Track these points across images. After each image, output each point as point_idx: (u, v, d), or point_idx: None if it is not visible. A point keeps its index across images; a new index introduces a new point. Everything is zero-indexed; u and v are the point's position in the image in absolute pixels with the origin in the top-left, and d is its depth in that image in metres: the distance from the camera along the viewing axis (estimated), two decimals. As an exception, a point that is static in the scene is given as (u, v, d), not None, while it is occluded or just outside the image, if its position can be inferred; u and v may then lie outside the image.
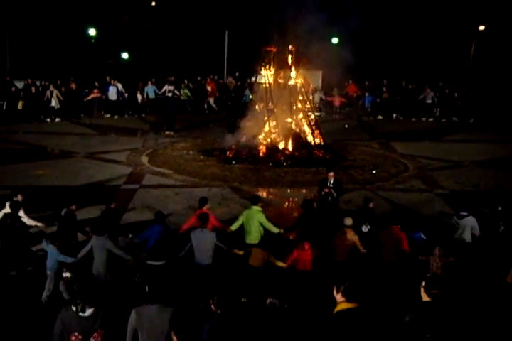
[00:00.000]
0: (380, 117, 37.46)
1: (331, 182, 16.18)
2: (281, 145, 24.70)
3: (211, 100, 36.94)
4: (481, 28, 48.91)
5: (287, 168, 23.03)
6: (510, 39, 49.79)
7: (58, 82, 34.90)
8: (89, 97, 33.40)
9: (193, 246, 12.47)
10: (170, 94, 34.59)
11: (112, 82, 34.57)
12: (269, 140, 24.95)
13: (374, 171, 23.28)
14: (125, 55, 54.77)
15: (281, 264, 12.29)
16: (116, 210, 14.70)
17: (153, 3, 58.42)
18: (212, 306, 7.78)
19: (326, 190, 15.96)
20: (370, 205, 14.86)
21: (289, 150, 24.49)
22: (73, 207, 14.16)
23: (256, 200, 14.19)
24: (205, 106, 37.69)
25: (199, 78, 39.51)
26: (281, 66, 26.00)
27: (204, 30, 52.79)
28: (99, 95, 33.43)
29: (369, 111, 38.38)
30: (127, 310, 7.76)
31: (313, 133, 25.66)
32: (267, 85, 25.92)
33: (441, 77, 40.65)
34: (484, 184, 21.77)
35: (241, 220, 13.95)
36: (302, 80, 26.31)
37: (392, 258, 12.63)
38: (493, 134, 32.23)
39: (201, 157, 24.96)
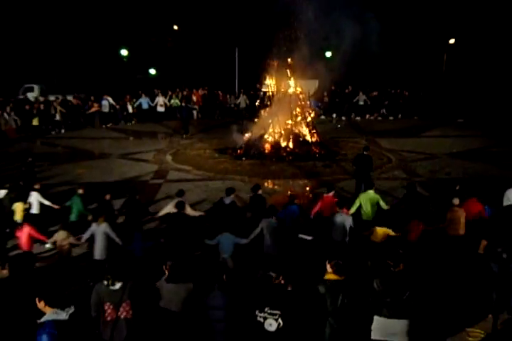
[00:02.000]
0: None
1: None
2: (283, 144, 24.49)
3: (196, 107, 36.25)
4: (451, 41, 48.80)
5: (289, 163, 22.94)
6: (475, 50, 49.73)
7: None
8: (91, 111, 32.81)
9: (333, 227, 12.61)
10: (162, 107, 34.90)
11: (104, 96, 33.79)
12: (273, 139, 24.78)
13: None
14: (152, 71, 54.82)
15: (394, 233, 12.55)
16: (139, 201, 14.47)
17: (176, 27, 58.29)
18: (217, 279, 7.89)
19: None
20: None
21: (290, 148, 24.28)
22: (107, 197, 14.32)
23: (371, 186, 14.61)
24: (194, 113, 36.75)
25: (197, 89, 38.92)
26: (283, 77, 25.91)
27: (218, 49, 52.85)
28: (98, 109, 32.83)
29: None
30: (151, 284, 7.79)
31: (310, 132, 25.48)
32: (271, 93, 25.93)
33: (420, 82, 40.40)
34: (454, 172, 21.60)
35: (358, 203, 14.03)
36: (300, 89, 26.10)
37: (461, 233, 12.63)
38: (462, 130, 32.04)
39: (216, 155, 24.83)
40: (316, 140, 25.35)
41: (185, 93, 37.47)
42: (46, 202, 14.82)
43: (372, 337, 8.03)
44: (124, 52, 51.74)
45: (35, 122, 29.30)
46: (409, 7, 44.06)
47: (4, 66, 48.93)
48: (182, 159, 24.18)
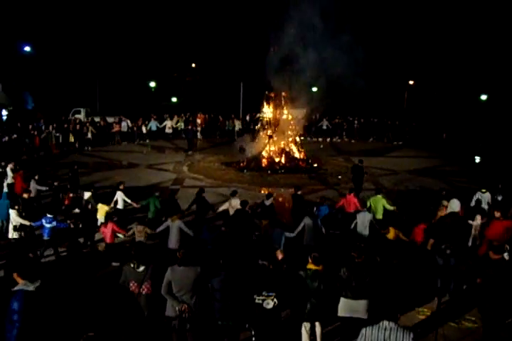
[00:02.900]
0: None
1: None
2: (277, 159, 24.57)
3: (199, 129, 34.94)
4: (411, 82, 49.23)
5: (281, 174, 22.98)
6: (431, 89, 50.13)
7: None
8: (114, 130, 32.64)
9: (357, 222, 13.02)
10: (170, 129, 34.35)
11: (123, 118, 33.65)
12: (269, 155, 24.85)
13: (339, 177, 23.10)
14: (174, 99, 55.03)
15: (404, 238, 12.54)
16: (204, 198, 14.66)
17: (194, 65, 58.66)
18: (221, 265, 8.01)
19: None
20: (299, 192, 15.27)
21: (282, 163, 24.36)
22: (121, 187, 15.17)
23: (379, 191, 15.34)
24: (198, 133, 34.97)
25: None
26: (278, 106, 26.08)
27: (227, 82, 53.09)
28: (119, 129, 32.64)
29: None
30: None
31: (298, 150, 25.61)
32: (268, 119, 26.02)
33: (385, 115, 40.55)
34: (412, 185, 21.72)
35: (368, 204, 14.61)
36: (291, 116, 26.28)
37: None
38: (419, 152, 32.09)
39: (223, 167, 24.85)
40: (303, 157, 25.47)
41: (189, 117, 36.99)
42: (128, 201, 14.93)
43: (339, 315, 8.15)
44: (152, 84, 52.17)
45: (71, 139, 29.25)
46: (377, 54, 44.48)
47: (59, 92, 49.33)
48: (196, 170, 24.26)
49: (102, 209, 14.12)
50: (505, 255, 10.90)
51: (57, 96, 48.53)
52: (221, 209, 14.14)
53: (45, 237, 12.29)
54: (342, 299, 8.06)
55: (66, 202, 16.37)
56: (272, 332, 7.58)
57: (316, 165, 25.05)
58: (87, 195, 14.99)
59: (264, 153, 24.93)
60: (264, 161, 24.47)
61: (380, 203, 14.39)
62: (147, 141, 33.47)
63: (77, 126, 30.17)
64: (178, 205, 14.49)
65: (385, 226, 12.79)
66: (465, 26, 48.72)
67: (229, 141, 32.33)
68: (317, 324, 8.12)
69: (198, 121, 35.66)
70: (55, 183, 16.37)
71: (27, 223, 12.52)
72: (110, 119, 35.46)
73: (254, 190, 19.99)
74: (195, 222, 12.69)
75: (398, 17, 43.96)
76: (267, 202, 14.41)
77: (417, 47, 49.36)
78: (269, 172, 23.30)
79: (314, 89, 37.46)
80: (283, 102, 25.94)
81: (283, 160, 24.53)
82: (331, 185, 21.26)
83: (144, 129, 33.84)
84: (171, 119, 35.40)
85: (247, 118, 38.33)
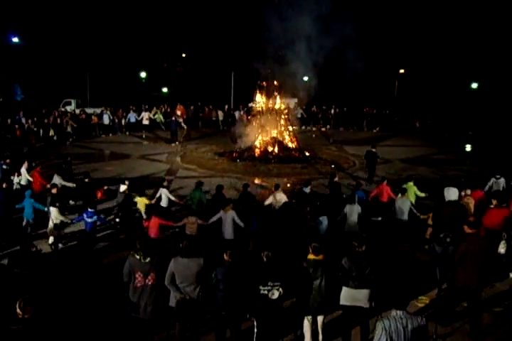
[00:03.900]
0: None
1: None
2: (270, 149, 24.47)
3: (181, 120, 32.94)
4: (401, 71, 49.25)
5: (274, 164, 22.86)
6: (421, 78, 50.16)
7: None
8: (93, 122, 31.91)
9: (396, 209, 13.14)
10: (147, 121, 33.40)
11: (105, 110, 33.08)
12: (261, 145, 24.77)
13: (333, 165, 23.09)
14: (165, 90, 54.71)
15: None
16: (250, 193, 14.43)
17: (184, 55, 58.30)
18: (225, 256, 7.80)
19: None
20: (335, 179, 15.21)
21: (275, 152, 24.24)
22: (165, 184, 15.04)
23: (410, 178, 15.20)
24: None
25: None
26: (270, 95, 25.95)
27: (217, 72, 52.85)
28: (97, 121, 31.97)
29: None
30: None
31: (291, 140, 25.51)
32: (261, 108, 25.88)
33: (376, 104, 40.52)
34: (405, 174, 21.52)
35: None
36: (284, 105, 26.13)
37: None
38: (411, 140, 32.12)
39: (216, 157, 24.77)
40: (296, 146, 25.38)
41: (168, 109, 36.27)
42: (172, 198, 14.57)
43: (341, 303, 8.09)
44: (143, 74, 51.85)
45: (51, 133, 28.23)
46: (367, 43, 44.41)
47: (49, 83, 48.91)
48: (189, 160, 24.15)
49: (141, 203, 13.63)
50: (502, 244, 10.94)
51: (48, 87, 48.10)
52: (267, 203, 13.88)
53: (88, 231, 12.11)
54: (344, 288, 8.02)
55: (99, 196, 16.09)
56: (275, 322, 7.55)
57: (308, 154, 24.97)
58: (123, 187, 14.48)
59: (257, 143, 24.83)
60: (257, 151, 24.38)
61: (412, 190, 14.51)
62: (143, 132, 32.89)
63: (58, 120, 29.33)
64: (225, 198, 14.12)
65: (424, 211, 12.94)
66: (455, 14, 48.67)
67: (216, 132, 32.51)
68: (319, 316, 8.11)
69: (178, 112, 34.58)
70: (86, 180, 15.66)
71: (68, 220, 12.34)
72: (98, 111, 35.12)
73: (247, 180, 19.78)
74: (244, 214, 12.50)
75: (387, 5, 43.72)
76: (307, 190, 14.41)
77: (407, 36, 49.23)
78: (262, 162, 23.19)
79: (305, 78, 37.43)
80: (275, 91, 25.80)
81: (276, 150, 24.42)
82: (325, 174, 21.13)
83: (122, 121, 33.24)
84: (150, 111, 34.52)
85: (225, 108, 37.99)
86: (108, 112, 32.80)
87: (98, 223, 12.47)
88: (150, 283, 7.63)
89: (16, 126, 26.21)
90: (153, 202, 14.18)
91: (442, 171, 22.37)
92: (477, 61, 47.94)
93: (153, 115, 34.38)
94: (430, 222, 12.12)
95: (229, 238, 11.49)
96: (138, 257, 7.63)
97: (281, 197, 13.58)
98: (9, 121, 27.16)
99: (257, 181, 19.92)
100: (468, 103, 42.61)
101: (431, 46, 50.41)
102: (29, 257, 8.95)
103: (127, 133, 32.92)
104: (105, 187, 16.38)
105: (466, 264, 8.33)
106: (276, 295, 7.36)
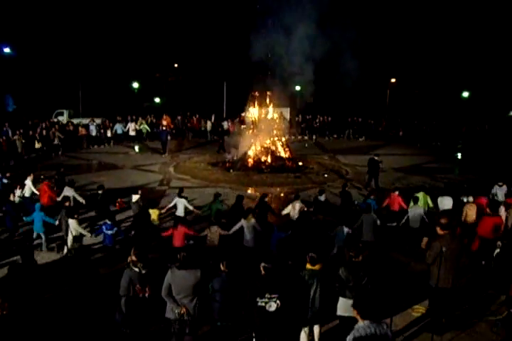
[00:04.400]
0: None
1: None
2: (263, 159, 24.48)
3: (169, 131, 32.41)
4: (393, 80, 49.56)
5: (268, 174, 22.84)
6: (412, 87, 50.49)
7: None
8: (80, 134, 30.90)
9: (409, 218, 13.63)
10: (133, 132, 33.18)
11: (91, 121, 32.29)
12: (254, 155, 24.77)
13: (325, 175, 23.12)
14: (157, 100, 54.72)
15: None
16: (266, 202, 14.56)
17: (176, 65, 58.38)
18: (222, 266, 7.87)
19: None
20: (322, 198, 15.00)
21: (268, 162, 24.25)
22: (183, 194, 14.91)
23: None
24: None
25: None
26: (263, 105, 26.01)
27: (210, 82, 52.96)
28: (85, 133, 31.06)
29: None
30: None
31: (284, 150, 25.54)
32: (254, 118, 25.93)
33: (366, 113, 40.74)
34: (398, 183, 21.71)
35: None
36: (277, 115, 26.18)
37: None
38: (403, 149, 32.23)
39: (209, 167, 24.71)
40: (289, 156, 25.40)
41: (154, 120, 36.01)
42: (191, 207, 14.55)
43: (338, 314, 8.10)
44: (135, 84, 51.82)
45: (37, 145, 27.23)
46: (359, 52, 44.68)
47: (41, 94, 48.81)
48: (182, 170, 24.03)
49: (154, 214, 13.70)
50: (496, 253, 10.98)
51: (40, 98, 47.98)
52: (285, 212, 14.06)
53: (108, 244, 12.02)
54: (341, 298, 8.01)
55: (117, 208, 16.09)
56: (272, 334, 7.52)
57: (301, 163, 24.99)
58: (135, 197, 14.44)
59: (250, 153, 24.82)
60: (250, 161, 24.36)
61: (424, 200, 14.74)
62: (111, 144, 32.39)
63: (44, 132, 28.42)
64: (244, 208, 14.08)
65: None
66: (447, 23, 49.01)
67: (206, 142, 32.80)
68: (316, 326, 8.10)
69: (164, 122, 33.96)
70: (100, 191, 15.40)
71: (88, 234, 12.15)
72: (85, 121, 34.77)
73: (241, 190, 19.78)
74: (262, 224, 12.51)
75: (379, 14, 43.98)
76: (322, 198, 14.71)
77: (399, 45, 49.54)
78: (255, 171, 23.17)
79: (297, 88, 37.63)
80: (268, 101, 25.86)
81: (269, 160, 24.43)
82: (318, 184, 21.16)
83: (108, 133, 32.71)
84: (135, 122, 34.20)
85: (213, 118, 37.73)
86: (95, 123, 32.16)
87: (117, 235, 12.42)
88: (147, 294, 7.69)
89: (3, 138, 25.15)
90: (163, 211, 14.32)
91: (436, 180, 22.43)
92: (469, 70, 48.23)
93: (139, 126, 34.10)
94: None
95: (250, 246, 11.56)
96: (137, 269, 7.64)
97: (301, 206, 13.83)
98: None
99: (250, 191, 19.91)
100: (459, 112, 42.87)
101: (423, 55, 50.65)
102: (29, 267, 8.91)
103: (112, 144, 32.57)
104: (119, 200, 16.31)
105: (440, 265, 8.45)
106: (273, 307, 7.32)
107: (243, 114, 31.15)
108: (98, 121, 33.56)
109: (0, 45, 40.13)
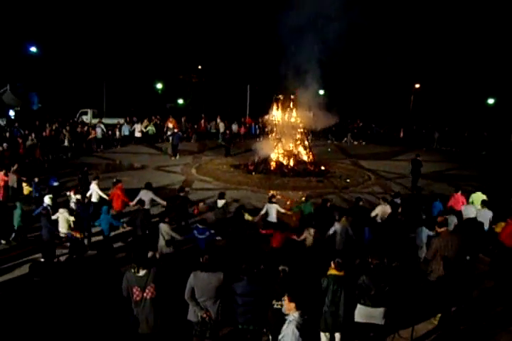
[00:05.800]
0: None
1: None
2: (285, 162, 24.52)
3: (180, 133, 31.59)
4: (417, 85, 49.26)
5: (290, 177, 22.81)
6: (437, 93, 50.08)
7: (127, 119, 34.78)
8: (90, 137, 30.28)
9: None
10: (139, 133, 33.07)
11: (98, 124, 31.83)
12: (277, 158, 24.82)
13: (348, 180, 23.02)
14: (180, 101, 55.00)
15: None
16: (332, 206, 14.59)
17: (200, 67, 58.60)
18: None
19: None
20: (360, 203, 14.57)
21: (290, 166, 24.30)
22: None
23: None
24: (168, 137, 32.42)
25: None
26: (286, 109, 25.98)
27: (233, 85, 53.08)
28: (95, 135, 30.48)
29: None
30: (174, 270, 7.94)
31: (307, 154, 25.53)
32: (277, 122, 25.92)
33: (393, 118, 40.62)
34: (425, 190, 21.43)
35: (470, 200, 15.58)
36: (300, 119, 26.11)
37: None
38: (426, 156, 31.90)
39: (231, 169, 24.81)
40: (311, 160, 25.38)
41: (158, 121, 35.91)
42: (282, 210, 14.36)
43: (356, 320, 8.07)
44: (159, 85, 52.17)
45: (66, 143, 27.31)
46: (383, 57, 44.54)
47: (66, 93, 49.40)
48: (204, 172, 24.13)
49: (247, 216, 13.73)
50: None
51: (64, 97, 48.53)
52: (373, 214, 13.86)
53: (202, 248, 11.52)
54: (359, 306, 7.97)
55: (196, 212, 15.46)
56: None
57: (323, 168, 24.96)
58: (220, 202, 13.96)
59: (272, 156, 24.85)
60: (273, 164, 24.40)
61: (480, 199, 14.76)
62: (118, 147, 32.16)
63: (53, 133, 27.94)
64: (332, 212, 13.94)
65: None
66: (472, 28, 48.58)
67: (220, 145, 32.89)
68: (337, 334, 8.02)
69: (170, 125, 33.88)
70: (181, 194, 14.97)
71: (179, 237, 11.71)
72: (114, 121, 35.26)
73: (262, 193, 19.79)
74: (355, 226, 12.50)
75: (404, 19, 43.79)
76: (398, 201, 14.97)
77: (423, 50, 49.26)
78: (277, 175, 23.21)
79: (321, 92, 37.58)
80: (291, 105, 25.85)
81: (291, 163, 24.45)
82: (340, 189, 21.10)
83: (117, 134, 32.60)
84: (141, 123, 34.09)
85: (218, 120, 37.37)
86: (102, 125, 31.65)
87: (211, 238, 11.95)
88: (149, 296, 7.43)
89: (20, 140, 24.81)
90: (251, 218, 13.82)
91: (457, 187, 22.16)
92: (494, 76, 47.73)
93: (145, 127, 34.02)
94: None
95: (341, 248, 11.59)
96: (132, 271, 7.48)
97: (387, 209, 13.90)
98: (7, 134, 26.70)
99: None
100: (484, 119, 42.47)
101: (448, 60, 50.30)
102: (51, 266, 8.97)
103: (133, 144, 32.79)
104: (200, 203, 15.72)
105: (439, 260, 9.04)
106: None
107: (264, 117, 30.99)
108: (121, 121, 33.83)
109: (26, 45, 40.80)
